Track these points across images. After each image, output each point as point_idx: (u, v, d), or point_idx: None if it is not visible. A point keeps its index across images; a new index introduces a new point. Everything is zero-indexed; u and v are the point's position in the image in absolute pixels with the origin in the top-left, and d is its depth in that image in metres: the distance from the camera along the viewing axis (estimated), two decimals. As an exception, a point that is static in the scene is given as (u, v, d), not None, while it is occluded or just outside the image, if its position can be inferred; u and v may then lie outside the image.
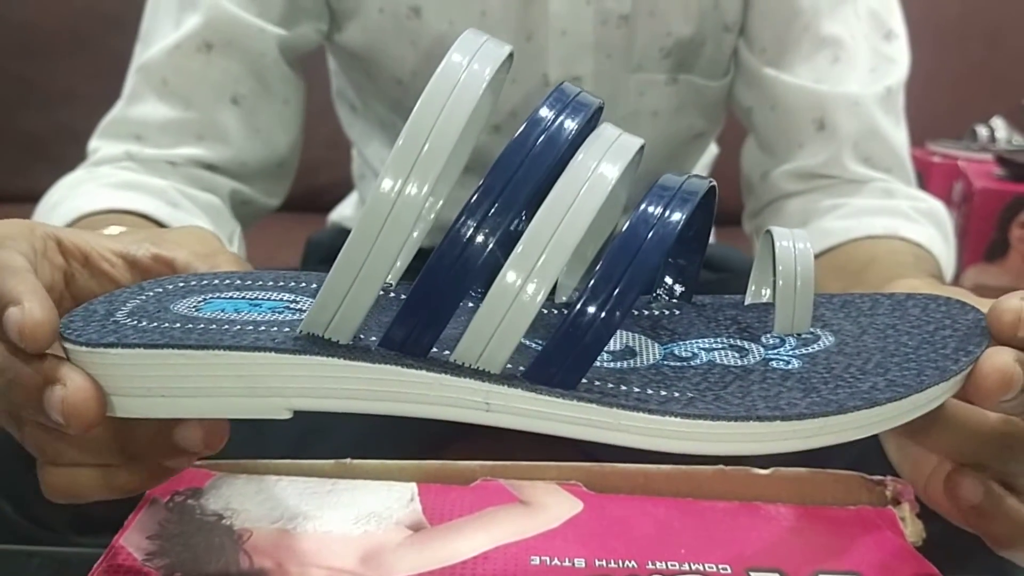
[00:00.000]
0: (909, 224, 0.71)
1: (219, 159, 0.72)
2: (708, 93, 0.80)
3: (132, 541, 0.39)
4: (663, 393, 0.32)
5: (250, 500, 0.42)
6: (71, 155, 1.63)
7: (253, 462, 0.45)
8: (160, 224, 0.64)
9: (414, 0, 0.74)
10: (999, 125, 1.54)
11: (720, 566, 0.38)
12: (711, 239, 1.05)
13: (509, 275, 0.30)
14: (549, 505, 0.43)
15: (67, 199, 0.66)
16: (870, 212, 0.72)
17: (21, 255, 0.36)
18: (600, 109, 0.33)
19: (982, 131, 1.55)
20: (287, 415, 0.33)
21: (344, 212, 0.99)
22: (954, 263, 0.76)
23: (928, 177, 1.36)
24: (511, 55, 0.33)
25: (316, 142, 1.01)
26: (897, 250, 0.69)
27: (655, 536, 0.41)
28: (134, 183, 0.67)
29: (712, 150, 1.00)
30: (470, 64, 0.31)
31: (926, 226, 0.72)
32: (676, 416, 0.31)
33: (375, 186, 0.30)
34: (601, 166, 0.31)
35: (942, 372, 0.33)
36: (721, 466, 0.44)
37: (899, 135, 0.76)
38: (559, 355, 0.31)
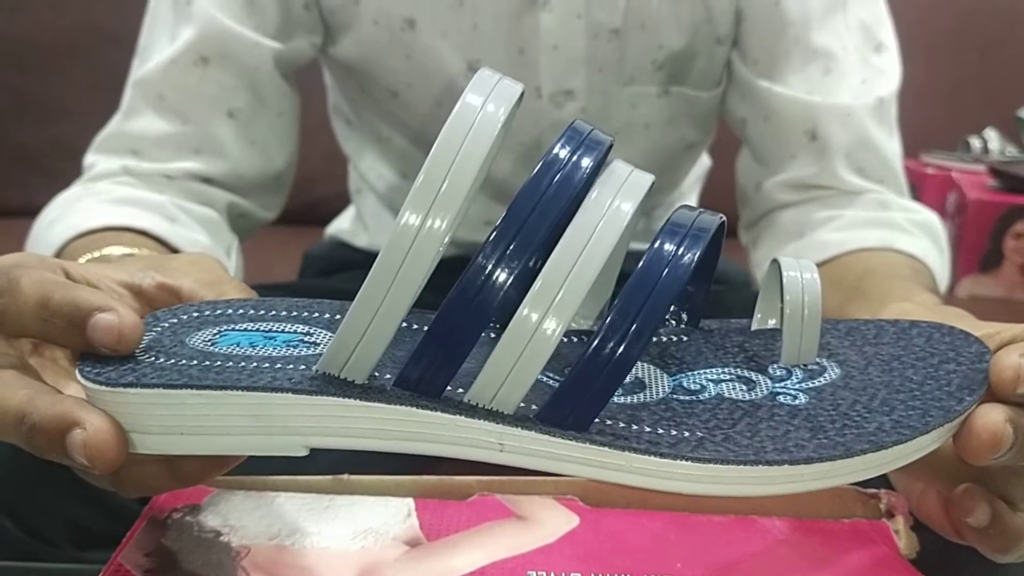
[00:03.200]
0: (904, 236, 0.72)
1: (216, 172, 0.72)
2: (700, 104, 0.81)
3: (131, 558, 0.39)
4: (673, 433, 0.32)
5: (248, 516, 0.42)
6: (67, 169, 1.63)
7: (251, 478, 0.45)
8: (158, 239, 0.65)
9: (408, 13, 0.74)
10: (992, 136, 1.55)
11: (715, 580, 0.39)
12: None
13: (527, 312, 0.31)
14: (545, 520, 0.43)
15: (64, 216, 0.66)
16: (865, 224, 0.73)
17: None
18: (610, 147, 0.34)
19: (975, 142, 1.55)
20: (303, 452, 0.34)
21: (341, 225, 0.99)
22: (949, 274, 0.77)
23: (922, 188, 1.37)
24: (523, 92, 0.33)
25: (314, 156, 1.02)
26: (893, 263, 0.70)
27: (651, 550, 0.41)
28: (131, 199, 0.68)
29: (705, 162, 1.01)
30: (485, 104, 0.31)
31: (920, 238, 0.72)
32: (687, 460, 0.31)
33: (396, 222, 0.31)
34: (615, 202, 0.31)
35: (946, 412, 0.33)
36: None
37: (892, 146, 0.77)
38: (573, 395, 0.32)
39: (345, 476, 0.45)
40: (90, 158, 0.73)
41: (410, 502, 0.44)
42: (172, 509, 0.43)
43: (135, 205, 0.67)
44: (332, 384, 0.33)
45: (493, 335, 0.38)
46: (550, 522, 0.43)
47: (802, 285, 0.36)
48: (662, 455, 0.31)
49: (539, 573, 0.39)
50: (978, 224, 1.22)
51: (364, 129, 0.88)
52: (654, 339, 0.39)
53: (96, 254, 0.58)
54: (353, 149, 0.91)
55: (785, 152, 0.76)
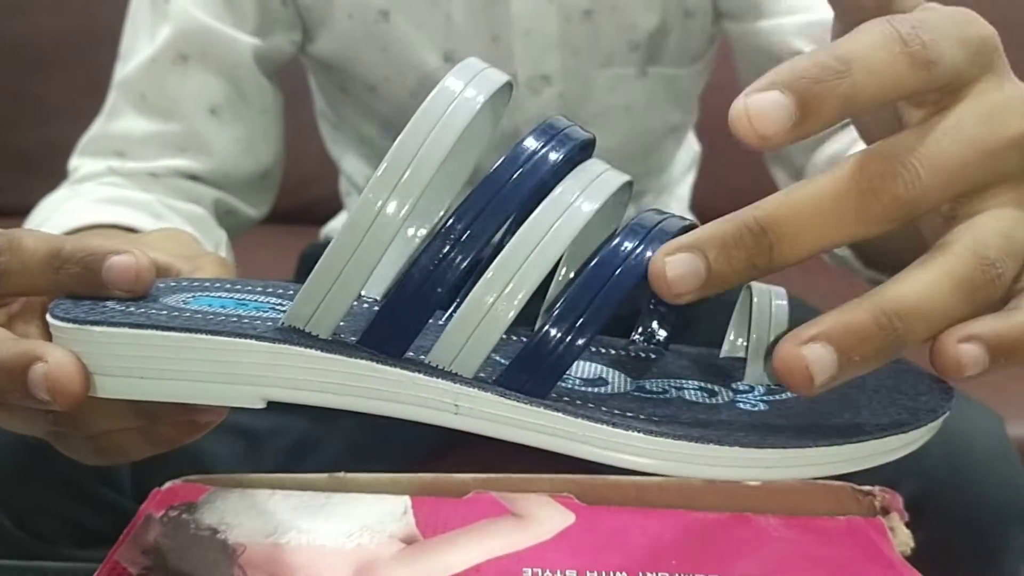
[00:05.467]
0: None
1: (201, 169, 0.73)
2: (679, 83, 0.81)
3: (127, 556, 0.40)
4: (629, 414, 0.33)
5: (244, 514, 0.42)
6: (64, 170, 1.63)
7: (247, 476, 0.45)
8: (131, 230, 0.65)
9: (382, 5, 0.75)
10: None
11: (708, 575, 0.39)
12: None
13: (480, 294, 0.31)
14: (541, 517, 0.43)
15: (52, 216, 0.67)
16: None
17: None
18: (592, 143, 0.34)
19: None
20: (261, 404, 0.34)
21: (335, 227, 1.00)
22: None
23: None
24: (511, 84, 0.34)
25: (309, 156, 1.02)
26: None
27: (646, 547, 0.41)
28: (118, 198, 0.68)
29: (694, 147, 1.01)
30: (463, 90, 0.31)
31: None
32: (638, 432, 0.31)
33: (360, 200, 0.31)
34: (578, 200, 0.31)
35: (912, 414, 0.33)
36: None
37: None
38: (528, 365, 0.32)
39: (341, 474, 0.45)
40: (75, 161, 0.74)
41: (406, 500, 0.44)
42: (168, 507, 0.43)
43: (121, 204, 0.67)
44: (296, 334, 0.33)
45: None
46: (546, 520, 0.43)
47: (771, 312, 0.36)
48: (614, 424, 0.31)
49: (535, 570, 0.39)
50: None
51: (347, 130, 0.89)
52: (623, 352, 0.39)
53: None
54: (339, 152, 0.92)
55: None
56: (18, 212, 1.53)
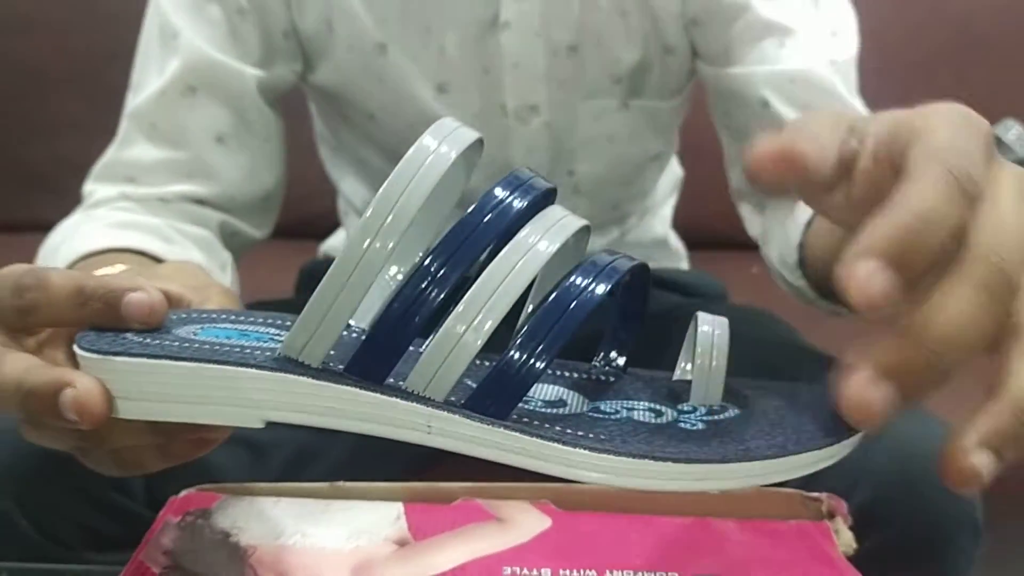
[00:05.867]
0: None
1: (208, 194, 0.77)
2: (660, 115, 0.85)
3: (150, 556, 0.44)
4: (580, 433, 0.37)
5: (253, 519, 0.47)
6: (70, 185, 1.66)
7: (255, 485, 0.49)
8: (156, 259, 0.70)
9: (379, 38, 0.80)
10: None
11: (668, 573, 0.44)
12: (685, 266, 1.10)
13: (452, 324, 0.36)
14: (521, 522, 0.48)
15: (67, 241, 0.71)
16: None
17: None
18: (553, 192, 0.39)
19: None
20: (260, 425, 0.39)
21: (333, 244, 1.05)
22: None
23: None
24: (481, 141, 0.38)
25: (309, 174, 1.06)
26: None
27: (614, 548, 0.46)
28: (130, 222, 0.72)
29: (677, 171, 1.05)
30: (438, 147, 0.36)
31: None
32: (584, 449, 0.36)
33: (348, 242, 0.37)
34: (539, 242, 0.36)
35: (830, 433, 0.36)
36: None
37: (854, 102, 0.77)
38: (493, 390, 0.37)
39: (341, 483, 0.50)
40: (89, 186, 0.78)
41: (399, 506, 0.48)
42: (185, 513, 0.47)
43: (133, 228, 0.72)
44: (291, 364, 0.38)
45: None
46: (525, 524, 0.47)
47: (713, 340, 0.40)
48: (565, 443, 0.36)
49: (514, 569, 0.44)
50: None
51: (345, 153, 0.93)
52: (584, 376, 0.44)
53: (101, 272, 0.62)
54: (337, 174, 0.97)
55: (751, 128, 0.78)
56: (26, 227, 1.57)
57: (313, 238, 1.16)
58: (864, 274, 0.31)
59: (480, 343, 0.36)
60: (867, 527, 0.57)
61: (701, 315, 0.41)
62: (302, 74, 0.84)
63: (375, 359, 0.38)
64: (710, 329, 0.41)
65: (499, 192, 0.37)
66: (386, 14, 0.79)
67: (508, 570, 0.44)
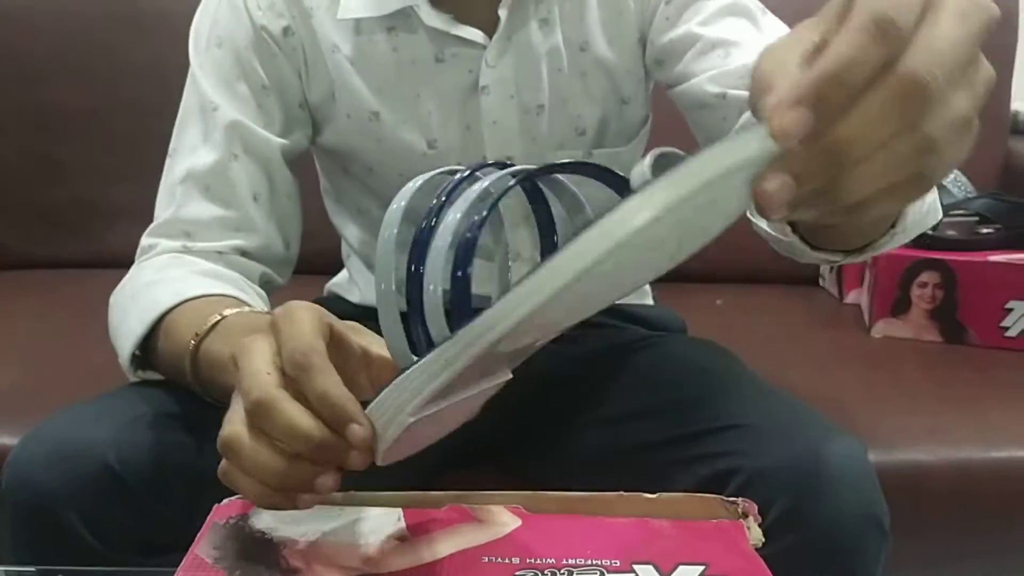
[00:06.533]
0: None
1: (251, 246, 0.90)
2: (620, 159, 0.97)
3: (203, 551, 0.56)
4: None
5: (283, 521, 0.59)
6: (88, 225, 1.77)
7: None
8: (239, 300, 0.79)
9: (373, 107, 0.93)
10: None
11: (613, 560, 0.55)
12: (650, 301, 1.21)
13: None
14: (497, 522, 0.59)
15: (162, 281, 0.81)
16: None
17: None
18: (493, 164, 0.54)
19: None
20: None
21: (338, 282, 1.16)
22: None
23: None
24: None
25: (312, 214, 1.16)
26: None
27: (571, 542, 0.57)
28: (212, 272, 0.84)
29: None
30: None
31: None
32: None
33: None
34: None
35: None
36: (621, 492, 0.61)
37: None
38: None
39: (353, 492, 0.61)
40: (149, 240, 0.89)
41: (399, 511, 0.60)
42: (229, 516, 0.59)
43: (217, 277, 0.83)
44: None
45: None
46: (500, 524, 0.59)
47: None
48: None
49: (490, 558, 0.56)
50: (888, 275, 1.34)
51: (348, 203, 1.05)
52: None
53: (216, 316, 0.72)
54: (340, 223, 1.09)
55: (721, 125, 0.88)
56: (46, 264, 1.68)
57: (314, 273, 1.25)
58: (788, 114, 0.36)
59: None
60: (785, 531, 0.69)
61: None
62: (312, 138, 0.97)
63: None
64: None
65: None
66: (380, 85, 0.92)
67: (486, 559, 0.56)
